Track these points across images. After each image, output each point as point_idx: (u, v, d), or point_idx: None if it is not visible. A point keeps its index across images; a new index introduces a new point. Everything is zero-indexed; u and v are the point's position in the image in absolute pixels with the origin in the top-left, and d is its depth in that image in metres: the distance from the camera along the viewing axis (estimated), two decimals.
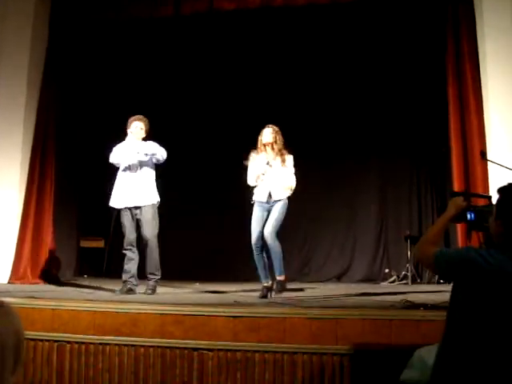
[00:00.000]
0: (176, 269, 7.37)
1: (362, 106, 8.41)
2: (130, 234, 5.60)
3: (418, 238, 8.10)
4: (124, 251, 5.63)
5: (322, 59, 8.41)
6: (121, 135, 7.74)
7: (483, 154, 5.59)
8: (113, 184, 5.79)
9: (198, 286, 7.06)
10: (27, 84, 7.08)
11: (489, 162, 5.78)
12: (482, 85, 6.18)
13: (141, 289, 5.66)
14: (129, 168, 5.65)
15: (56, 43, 7.40)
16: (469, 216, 2.56)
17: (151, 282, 5.60)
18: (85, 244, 8.39)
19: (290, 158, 5.65)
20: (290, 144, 5.86)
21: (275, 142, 5.63)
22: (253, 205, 5.65)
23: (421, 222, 8.46)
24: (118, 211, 5.74)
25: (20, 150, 7.03)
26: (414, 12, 7.62)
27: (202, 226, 8.54)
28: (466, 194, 2.75)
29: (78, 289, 6.33)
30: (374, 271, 8.35)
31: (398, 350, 3.64)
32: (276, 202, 5.53)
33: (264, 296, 5.43)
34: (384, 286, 7.53)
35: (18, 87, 7.06)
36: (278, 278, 5.57)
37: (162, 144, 5.80)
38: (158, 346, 4.25)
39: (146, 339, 4.29)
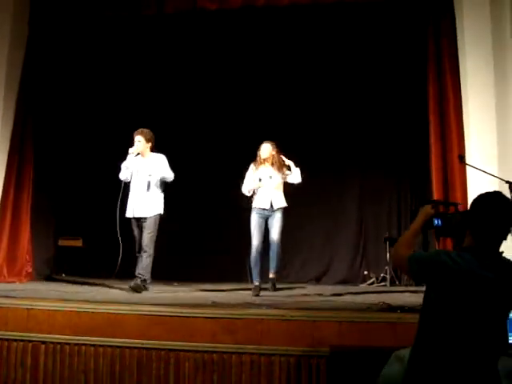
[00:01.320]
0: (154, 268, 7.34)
1: (343, 111, 8.42)
2: (139, 240, 6.08)
3: (397, 239, 8.23)
4: (137, 255, 6.08)
5: (301, 62, 8.41)
6: (100, 136, 7.77)
7: (461, 158, 5.65)
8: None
9: (176, 285, 7.03)
10: (5, 82, 7.01)
11: (467, 167, 5.84)
12: (462, 92, 6.23)
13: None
14: (137, 183, 6.14)
15: (34, 50, 7.31)
16: (436, 222, 2.70)
17: (137, 281, 5.89)
18: (63, 243, 8.31)
19: (283, 158, 6.28)
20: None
21: (273, 157, 6.24)
22: (247, 209, 6.26)
23: (400, 223, 8.49)
24: (129, 219, 6.16)
25: None
26: (396, 25, 7.70)
27: (184, 225, 8.52)
28: (434, 201, 2.88)
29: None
30: (353, 273, 8.36)
31: (375, 352, 3.65)
32: (275, 211, 6.16)
33: (257, 294, 5.82)
34: (363, 288, 7.55)
35: None
36: (272, 275, 6.19)
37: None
38: (135, 347, 4.23)
39: (123, 340, 4.27)
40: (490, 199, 2.47)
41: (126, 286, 5.95)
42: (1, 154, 6.97)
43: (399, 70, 8.03)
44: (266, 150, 6.26)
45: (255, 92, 8.54)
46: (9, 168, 6.98)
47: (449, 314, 2.35)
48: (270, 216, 6.18)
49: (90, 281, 6.96)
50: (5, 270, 6.75)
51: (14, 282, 6.66)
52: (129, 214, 6.11)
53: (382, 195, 8.56)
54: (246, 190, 6.24)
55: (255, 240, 6.12)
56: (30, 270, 7.05)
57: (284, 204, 6.24)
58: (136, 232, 6.12)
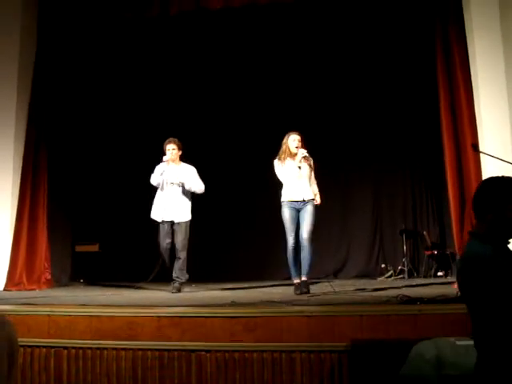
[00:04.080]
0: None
1: (357, 104, 8.46)
2: (165, 243, 6.38)
3: (414, 231, 8.22)
4: (164, 259, 6.48)
5: (311, 59, 8.47)
6: (115, 140, 7.83)
7: (475, 147, 5.59)
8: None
9: (194, 286, 7.04)
10: (17, 86, 7.08)
11: (481, 155, 5.78)
12: (472, 80, 6.16)
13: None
14: (169, 189, 6.41)
15: (44, 51, 7.34)
16: None
17: (176, 284, 6.32)
18: (80, 249, 8.36)
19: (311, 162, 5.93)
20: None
21: (301, 147, 5.83)
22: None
23: (415, 215, 8.48)
24: (157, 222, 6.47)
25: (12, 155, 6.98)
26: (403, 18, 7.75)
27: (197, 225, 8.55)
28: None
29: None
30: (371, 266, 8.37)
31: (396, 345, 3.64)
32: (306, 202, 5.75)
33: (301, 292, 5.57)
34: (381, 281, 7.53)
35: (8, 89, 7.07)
36: (304, 277, 5.70)
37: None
38: (156, 349, 4.23)
39: (143, 342, 4.27)
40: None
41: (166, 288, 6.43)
42: (15, 163, 7.01)
43: (408, 62, 8.08)
44: (296, 141, 5.84)
45: (266, 90, 8.57)
46: (24, 177, 7.02)
47: None
48: (301, 209, 5.76)
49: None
50: (24, 278, 6.80)
51: (33, 289, 6.72)
52: (160, 218, 6.39)
53: (397, 188, 8.56)
54: (286, 178, 5.82)
55: (290, 236, 5.74)
56: (49, 276, 7.10)
57: (313, 195, 5.83)
58: (163, 236, 6.37)
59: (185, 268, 6.38)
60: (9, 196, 6.93)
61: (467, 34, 6.23)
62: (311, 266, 5.75)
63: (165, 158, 6.40)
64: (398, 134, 8.37)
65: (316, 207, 5.82)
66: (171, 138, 6.50)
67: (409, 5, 7.39)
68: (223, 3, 6.92)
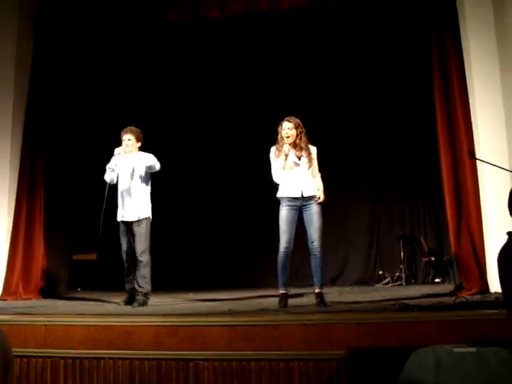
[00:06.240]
0: (168, 278, 7.39)
1: (355, 111, 8.53)
2: (123, 246, 5.73)
3: (411, 237, 8.23)
4: (125, 264, 5.77)
5: (306, 66, 8.51)
6: (109, 150, 7.78)
7: (471, 154, 5.60)
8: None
9: (191, 295, 7.02)
10: (14, 96, 7.08)
11: (478, 162, 5.79)
12: (468, 88, 6.17)
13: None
14: (124, 184, 5.71)
15: (40, 65, 7.33)
16: None
17: (139, 296, 5.56)
18: (77, 257, 8.34)
19: (314, 150, 5.36)
20: None
21: (298, 136, 5.26)
22: (274, 205, 5.31)
23: (412, 222, 8.48)
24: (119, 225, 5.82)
25: (8, 159, 6.98)
26: (398, 27, 7.78)
27: (194, 233, 8.55)
28: None
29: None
30: (368, 273, 8.36)
31: (394, 352, 3.62)
32: (308, 200, 5.15)
33: (285, 305, 5.10)
34: (378, 288, 7.52)
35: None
36: (318, 289, 5.20)
37: (157, 150, 5.89)
38: (153, 358, 4.21)
39: (141, 352, 4.25)
40: None
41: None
42: (12, 172, 7.00)
43: (405, 71, 8.12)
44: (288, 128, 5.26)
45: (260, 96, 8.60)
46: (20, 186, 7.00)
47: None
48: (303, 208, 5.16)
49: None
50: (20, 288, 6.77)
51: (30, 298, 6.69)
52: (119, 218, 5.76)
53: (394, 194, 8.56)
54: (276, 176, 5.21)
55: (284, 238, 5.13)
56: (46, 286, 7.06)
57: (317, 191, 5.21)
58: (125, 239, 5.71)
59: (149, 275, 5.58)
60: (5, 203, 6.91)
61: (462, 41, 6.24)
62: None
63: (116, 150, 5.64)
64: (395, 141, 8.39)
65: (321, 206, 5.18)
66: (129, 127, 5.75)
67: (404, 12, 7.41)
68: (220, 13, 6.93)
